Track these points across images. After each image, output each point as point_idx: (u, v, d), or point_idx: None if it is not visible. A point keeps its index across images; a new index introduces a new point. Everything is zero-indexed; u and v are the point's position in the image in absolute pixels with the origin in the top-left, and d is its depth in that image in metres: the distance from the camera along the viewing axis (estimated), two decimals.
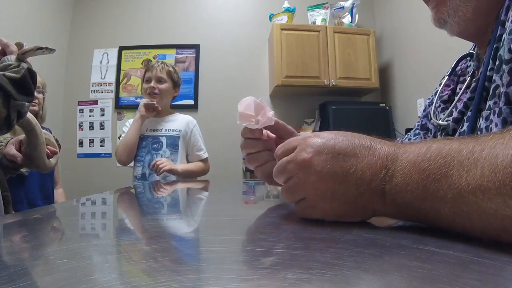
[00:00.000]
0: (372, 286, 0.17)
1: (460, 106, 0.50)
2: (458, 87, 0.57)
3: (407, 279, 0.18)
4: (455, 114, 0.51)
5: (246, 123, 0.47)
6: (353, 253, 0.23)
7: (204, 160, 1.57)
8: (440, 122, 0.55)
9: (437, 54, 1.98)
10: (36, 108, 1.58)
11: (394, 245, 0.25)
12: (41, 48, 0.71)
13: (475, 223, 0.24)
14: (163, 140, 1.48)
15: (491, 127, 0.40)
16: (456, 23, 0.48)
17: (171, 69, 1.54)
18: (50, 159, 0.83)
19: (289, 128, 0.52)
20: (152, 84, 1.50)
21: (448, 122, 0.53)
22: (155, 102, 1.46)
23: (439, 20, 0.50)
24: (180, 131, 1.53)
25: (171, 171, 1.41)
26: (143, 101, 1.47)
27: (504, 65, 0.38)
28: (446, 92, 0.59)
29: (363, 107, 2.53)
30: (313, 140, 0.33)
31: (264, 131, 0.50)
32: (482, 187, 0.23)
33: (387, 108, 2.45)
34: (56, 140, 0.88)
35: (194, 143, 1.55)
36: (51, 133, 1.73)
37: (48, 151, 0.82)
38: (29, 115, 0.72)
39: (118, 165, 1.56)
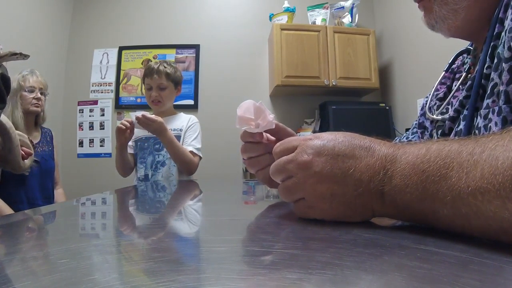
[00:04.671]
0: (372, 286, 0.17)
1: (455, 103, 0.50)
2: (454, 84, 0.57)
3: (407, 279, 0.18)
4: (450, 112, 0.51)
5: (245, 127, 0.47)
6: (353, 253, 0.23)
7: (192, 154, 1.45)
8: (434, 116, 0.56)
9: (437, 54, 1.98)
10: (38, 109, 1.58)
11: (394, 245, 0.25)
12: (15, 54, 0.71)
13: (474, 225, 0.24)
14: None
15: (490, 126, 0.40)
16: (446, 28, 0.48)
17: (169, 70, 1.48)
18: (25, 160, 0.84)
19: (289, 131, 0.52)
20: (154, 93, 1.48)
21: (443, 117, 0.53)
22: (128, 124, 1.33)
23: (429, 25, 0.50)
24: (181, 130, 1.52)
25: (161, 126, 1.31)
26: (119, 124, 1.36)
27: (503, 63, 0.38)
28: (442, 89, 0.59)
29: (363, 107, 2.52)
30: (313, 142, 0.33)
31: (264, 134, 0.50)
32: (482, 189, 0.23)
33: (387, 108, 2.45)
34: (31, 142, 0.88)
35: (187, 138, 1.50)
36: (51, 133, 1.74)
37: (23, 152, 0.82)
38: (4, 118, 0.72)
39: None
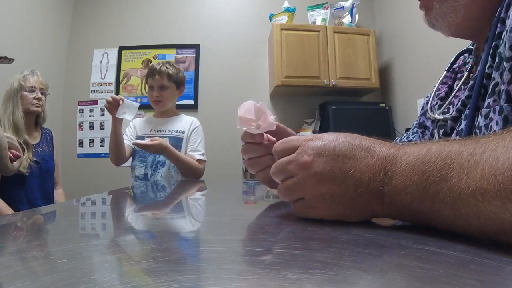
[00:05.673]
0: (372, 286, 0.17)
1: (457, 103, 0.50)
2: (455, 83, 0.57)
3: (407, 279, 0.18)
4: (452, 112, 0.51)
5: (246, 128, 0.47)
6: (353, 253, 0.23)
7: (199, 161, 1.50)
8: (436, 116, 0.56)
9: (437, 54, 1.98)
10: (39, 109, 1.58)
11: (394, 245, 0.25)
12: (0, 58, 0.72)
13: (474, 225, 0.24)
14: (167, 140, 1.48)
15: (491, 125, 0.40)
16: (446, 27, 0.49)
17: (171, 71, 1.49)
18: (13, 162, 0.84)
19: (289, 132, 0.52)
20: (155, 93, 1.49)
21: (444, 116, 0.53)
22: (111, 100, 1.33)
23: (429, 24, 0.50)
24: (183, 132, 1.53)
25: (160, 147, 1.34)
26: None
27: (504, 63, 0.38)
28: (443, 89, 0.59)
29: (363, 107, 2.52)
30: (314, 142, 0.33)
31: (265, 135, 0.50)
32: (482, 190, 0.23)
33: (387, 108, 2.45)
34: (20, 144, 0.88)
35: (192, 143, 1.53)
36: (51, 133, 1.74)
37: (12, 155, 0.82)
38: None
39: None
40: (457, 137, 0.48)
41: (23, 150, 0.89)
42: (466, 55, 0.57)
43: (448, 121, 0.51)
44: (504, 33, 0.40)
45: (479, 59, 0.48)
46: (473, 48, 0.55)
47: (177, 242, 0.30)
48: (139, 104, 1.38)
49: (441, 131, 0.53)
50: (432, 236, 0.26)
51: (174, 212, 0.54)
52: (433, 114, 0.57)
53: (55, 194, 1.72)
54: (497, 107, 0.40)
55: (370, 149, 0.32)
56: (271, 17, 2.66)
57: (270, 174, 0.38)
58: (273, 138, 0.51)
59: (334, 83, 2.42)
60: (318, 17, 2.62)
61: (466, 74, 0.53)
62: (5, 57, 0.74)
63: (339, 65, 2.44)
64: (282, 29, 2.46)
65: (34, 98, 1.55)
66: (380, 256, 0.23)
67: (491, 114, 0.41)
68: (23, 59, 2.10)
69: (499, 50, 0.40)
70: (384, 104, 2.49)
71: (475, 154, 0.24)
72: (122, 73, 2.81)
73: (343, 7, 2.63)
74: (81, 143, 2.76)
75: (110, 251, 0.27)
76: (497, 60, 0.41)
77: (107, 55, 2.83)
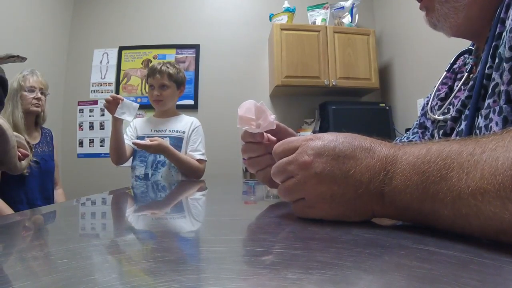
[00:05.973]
0: (372, 286, 0.17)
1: (457, 103, 0.50)
2: (455, 84, 0.57)
3: (407, 279, 0.18)
4: (452, 112, 0.51)
5: (246, 127, 0.47)
6: (353, 253, 0.23)
7: (199, 161, 1.51)
8: (436, 116, 0.56)
9: (437, 54, 1.98)
10: (38, 109, 1.58)
11: (394, 245, 0.25)
12: (12, 57, 0.71)
13: (474, 225, 0.24)
14: (167, 140, 1.49)
15: (491, 126, 0.40)
16: (448, 27, 0.49)
17: (171, 71, 1.50)
18: (22, 161, 0.84)
19: (290, 131, 0.52)
20: (156, 92, 1.50)
21: (445, 117, 0.53)
22: (110, 98, 1.34)
23: (430, 24, 0.51)
24: (183, 132, 1.54)
25: (160, 147, 1.36)
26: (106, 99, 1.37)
27: (504, 63, 0.38)
28: (444, 89, 0.59)
29: (363, 107, 2.52)
30: (314, 142, 0.33)
31: (265, 134, 0.50)
32: (482, 190, 0.23)
33: (387, 108, 2.45)
34: (28, 143, 0.88)
35: (192, 143, 1.53)
36: (51, 133, 1.74)
37: (20, 154, 0.82)
38: (0, 120, 0.72)
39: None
40: (457, 137, 0.48)
41: (30, 149, 0.89)
42: (466, 55, 0.57)
43: (448, 122, 0.51)
44: (504, 33, 0.40)
45: (479, 59, 0.48)
46: (473, 48, 0.55)
47: (177, 242, 0.30)
48: (138, 105, 1.38)
49: (441, 132, 0.53)
50: (432, 236, 0.26)
51: (174, 212, 0.54)
52: (433, 114, 0.58)
53: (55, 194, 1.72)
54: (497, 108, 0.40)
55: (370, 149, 0.32)
56: (271, 17, 2.66)
57: (271, 174, 0.38)
58: (273, 138, 0.51)
59: (334, 83, 2.42)
60: (318, 17, 2.62)
61: (466, 74, 0.53)
62: (18, 56, 0.74)
63: (339, 65, 2.44)
64: (282, 29, 2.46)
65: (34, 98, 1.55)
66: (380, 256, 0.23)
67: (491, 115, 0.41)
68: None
69: (499, 50, 0.40)
70: (384, 104, 2.49)
71: (475, 154, 0.24)
72: (122, 73, 2.81)
73: (343, 7, 2.63)
74: (81, 143, 2.76)
75: (110, 251, 0.27)
76: (497, 60, 0.41)
77: (107, 55, 2.83)
